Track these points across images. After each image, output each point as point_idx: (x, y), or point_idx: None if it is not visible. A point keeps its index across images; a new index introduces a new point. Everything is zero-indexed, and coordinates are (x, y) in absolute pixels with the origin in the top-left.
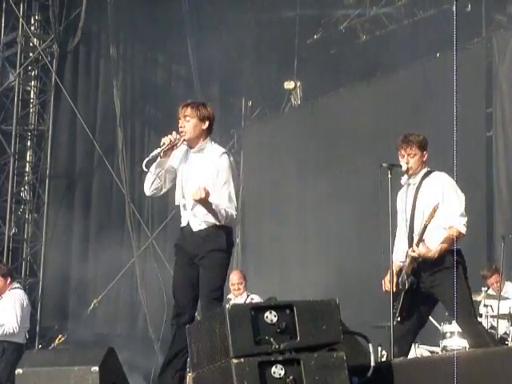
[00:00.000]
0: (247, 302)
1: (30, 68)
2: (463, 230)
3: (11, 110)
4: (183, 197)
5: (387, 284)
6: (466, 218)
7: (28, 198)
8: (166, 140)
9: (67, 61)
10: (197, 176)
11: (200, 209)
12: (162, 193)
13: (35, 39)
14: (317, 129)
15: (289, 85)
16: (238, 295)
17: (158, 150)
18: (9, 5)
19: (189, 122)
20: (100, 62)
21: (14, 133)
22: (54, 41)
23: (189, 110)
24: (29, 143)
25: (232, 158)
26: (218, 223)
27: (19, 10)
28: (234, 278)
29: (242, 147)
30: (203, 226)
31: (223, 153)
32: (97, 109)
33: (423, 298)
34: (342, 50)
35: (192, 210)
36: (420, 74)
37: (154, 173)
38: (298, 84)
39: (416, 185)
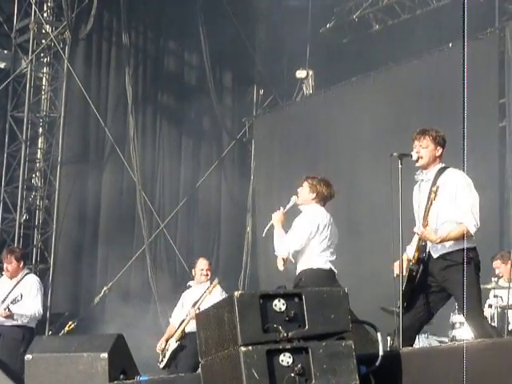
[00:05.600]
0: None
1: (42, 55)
2: (472, 229)
3: (23, 96)
4: None
5: (397, 268)
6: (477, 219)
7: (39, 185)
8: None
9: (79, 48)
10: None
11: None
12: None
13: (47, 26)
14: (328, 118)
15: (301, 74)
16: (206, 280)
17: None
18: None
19: None
20: (112, 50)
21: (25, 119)
22: (67, 28)
23: None
24: (40, 130)
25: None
26: None
27: None
28: (202, 263)
29: (253, 136)
30: None
31: None
32: (108, 96)
33: (433, 291)
34: (354, 39)
35: None
36: (433, 64)
37: None
38: (310, 73)
39: (430, 181)
